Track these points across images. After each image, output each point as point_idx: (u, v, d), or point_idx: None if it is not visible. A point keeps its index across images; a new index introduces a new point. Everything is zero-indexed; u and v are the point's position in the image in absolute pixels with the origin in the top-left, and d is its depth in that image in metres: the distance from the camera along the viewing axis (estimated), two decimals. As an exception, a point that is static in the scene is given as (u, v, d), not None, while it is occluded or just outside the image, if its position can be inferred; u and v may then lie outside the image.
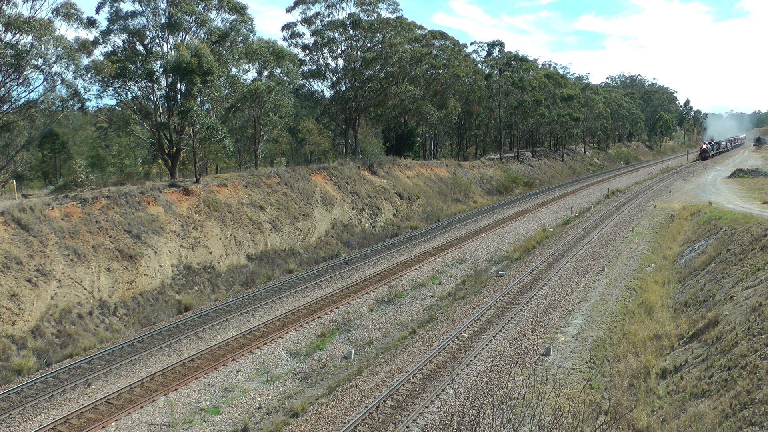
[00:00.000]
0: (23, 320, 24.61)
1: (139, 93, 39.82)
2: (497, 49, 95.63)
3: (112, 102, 44.94)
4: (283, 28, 60.42)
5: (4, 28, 30.65)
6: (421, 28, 69.94)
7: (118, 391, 21.20)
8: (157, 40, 39.86)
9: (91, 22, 37.52)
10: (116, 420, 19.66)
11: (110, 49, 39.29)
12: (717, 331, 21.99)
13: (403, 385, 21.54)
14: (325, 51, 59.98)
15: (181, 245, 33.65)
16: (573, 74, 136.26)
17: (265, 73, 47.38)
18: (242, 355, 24.82)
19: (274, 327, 27.96)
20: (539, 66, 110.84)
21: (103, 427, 19.25)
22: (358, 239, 46.55)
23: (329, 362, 24.56)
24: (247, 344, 25.91)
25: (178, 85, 38.82)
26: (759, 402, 16.13)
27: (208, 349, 25.09)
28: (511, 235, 49.66)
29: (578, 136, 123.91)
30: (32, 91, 33.41)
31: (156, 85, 39.72)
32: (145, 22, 39.21)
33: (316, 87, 62.86)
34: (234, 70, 43.40)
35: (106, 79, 37.45)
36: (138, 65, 38.64)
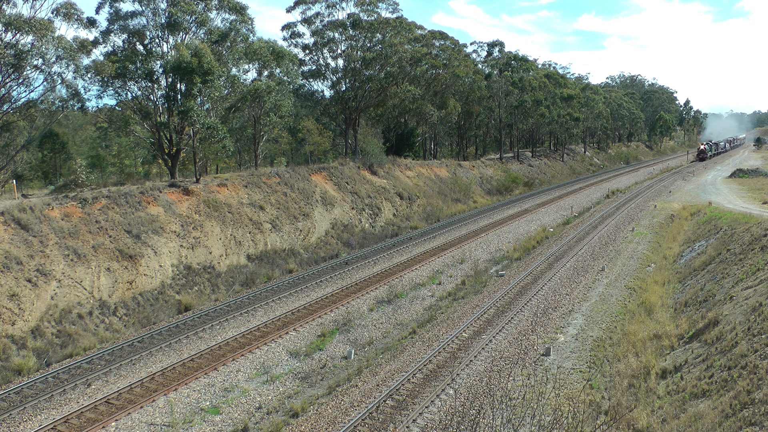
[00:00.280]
0: (23, 320, 24.62)
1: (139, 93, 39.82)
2: (497, 49, 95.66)
3: (112, 102, 45.01)
4: (283, 28, 60.54)
5: (4, 28, 30.64)
6: (421, 28, 69.99)
7: (118, 391, 21.20)
8: (157, 40, 39.87)
9: (91, 22, 37.52)
10: (116, 420, 19.66)
11: (110, 49, 39.33)
12: (717, 331, 21.99)
13: (403, 385, 21.54)
14: (325, 51, 60.00)
15: (181, 245, 33.65)
16: (573, 74, 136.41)
17: (265, 73, 47.37)
18: (242, 355, 24.82)
19: (274, 327, 27.96)
20: (539, 66, 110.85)
21: (103, 427, 19.25)
22: (358, 239, 46.55)
23: (329, 362, 24.56)
24: (247, 344, 25.91)
25: (178, 85, 38.83)
26: (759, 402, 16.13)
27: (208, 349, 25.09)
28: (511, 235, 49.66)
29: (578, 136, 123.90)
30: (32, 91, 33.46)
31: (156, 85, 39.72)
32: (145, 22, 39.24)
33: (316, 87, 62.96)
34: (234, 70, 43.41)
35: (106, 79, 37.47)
36: (138, 65, 38.64)
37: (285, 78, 48.91)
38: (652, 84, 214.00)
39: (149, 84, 39.51)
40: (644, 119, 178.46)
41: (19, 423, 19.46)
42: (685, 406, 18.21)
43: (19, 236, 26.70)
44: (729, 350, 20.00)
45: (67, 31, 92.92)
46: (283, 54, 47.44)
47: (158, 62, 39.40)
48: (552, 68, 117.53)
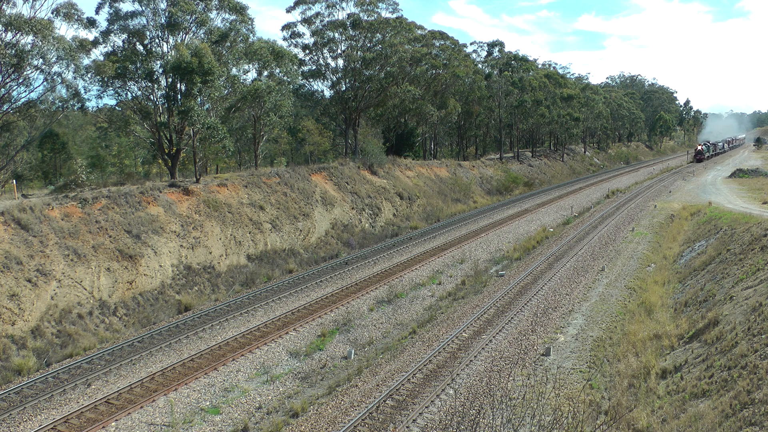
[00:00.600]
0: (23, 320, 24.62)
1: (139, 93, 39.83)
2: (497, 49, 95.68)
3: (112, 102, 44.94)
4: (283, 28, 60.53)
5: (4, 28, 30.65)
6: (421, 28, 70.00)
7: (118, 391, 21.20)
8: (157, 40, 39.88)
9: (91, 22, 37.53)
10: (116, 420, 19.67)
11: (110, 49, 39.32)
12: (717, 331, 21.99)
13: (403, 385, 21.54)
14: (325, 51, 60.00)
15: (181, 245, 33.65)
16: (573, 74, 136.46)
17: (265, 73, 47.37)
18: (242, 355, 24.82)
19: (274, 327, 27.96)
20: (539, 66, 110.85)
21: (103, 427, 19.26)
22: (358, 239, 46.55)
23: (329, 362, 24.56)
24: (247, 344, 25.91)
25: (178, 85, 38.83)
26: (759, 402, 16.13)
27: (208, 349, 25.09)
28: (511, 235, 49.67)
29: (578, 136, 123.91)
30: (32, 91, 33.48)
31: (156, 85, 39.72)
32: (145, 22, 39.24)
33: (316, 87, 62.96)
34: (234, 70, 43.42)
35: (106, 79, 37.47)
36: (138, 65, 38.64)
37: (285, 78, 48.90)
38: (652, 84, 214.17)
39: (149, 84, 39.51)
40: (644, 119, 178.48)
41: (19, 423, 19.47)
42: (685, 406, 18.21)
43: (19, 236, 26.70)
44: (729, 350, 20.00)
45: (67, 31, 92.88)
46: (283, 54, 47.44)
47: (158, 62, 39.40)
48: (552, 68, 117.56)
